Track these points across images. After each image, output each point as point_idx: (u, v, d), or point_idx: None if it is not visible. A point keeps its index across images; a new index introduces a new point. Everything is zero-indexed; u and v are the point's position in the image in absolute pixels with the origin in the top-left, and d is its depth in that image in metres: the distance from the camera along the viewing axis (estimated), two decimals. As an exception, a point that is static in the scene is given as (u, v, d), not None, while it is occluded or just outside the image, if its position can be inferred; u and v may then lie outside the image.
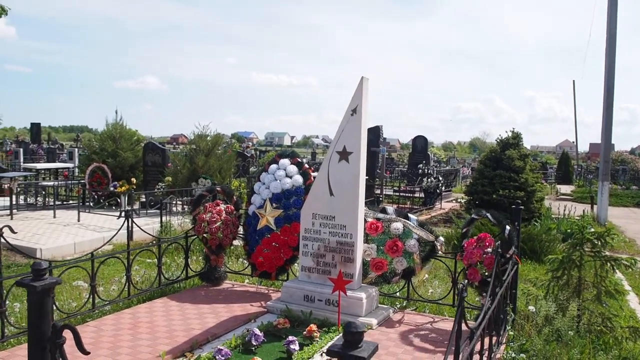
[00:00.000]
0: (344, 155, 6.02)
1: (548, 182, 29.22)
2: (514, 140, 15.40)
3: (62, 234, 11.11)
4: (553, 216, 14.73)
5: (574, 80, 47.41)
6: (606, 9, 17.21)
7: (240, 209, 7.32)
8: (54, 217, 13.15)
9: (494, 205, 14.32)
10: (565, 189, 27.90)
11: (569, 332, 5.79)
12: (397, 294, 6.77)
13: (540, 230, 11.51)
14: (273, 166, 7.06)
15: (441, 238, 6.28)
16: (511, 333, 5.77)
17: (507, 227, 5.70)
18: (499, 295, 4.74)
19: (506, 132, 15.28)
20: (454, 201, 20.67)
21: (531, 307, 6.16)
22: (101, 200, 14.69)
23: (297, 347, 5.08)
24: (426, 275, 7.15)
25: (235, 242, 7.91)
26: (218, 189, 7.47)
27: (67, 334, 2.40)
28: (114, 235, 6.75)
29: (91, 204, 14.94)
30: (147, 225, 11.74)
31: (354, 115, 5.98)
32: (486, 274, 5.71)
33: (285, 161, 7.02)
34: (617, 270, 10.38)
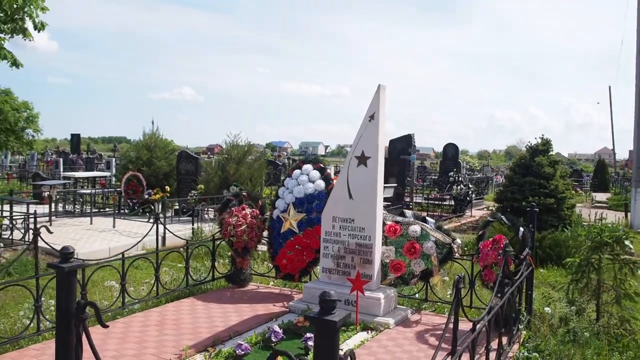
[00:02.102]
0: (363, 159, 6.23)
1: (583, 190, 28.81)
2: (544, 147, 15.29)
3: (98, 239, 11.54)
4: (584, 223, 14.60)
5: (610, 87, 46.73)
6: (636, 16, 17.07)
7: (266, 213, 7.58)
8: (91, 223, 13.64)
9: (523, 212, 14.25)
10: (601, 196, 27.43)
11: (585, 333, 5.85)
12: (416, 295, 6.91)
13: (567, 236, 11.47)
14: (296, 171, 7.31)
15: (458, 240, 6.42)
16: (526, 333, 5.86)
17: (521, 229, 5.81)
18: (508, 294, 4.86)
19: (535, 138, 15.20)
20: (485, 209, 20.59)
21: (547, 309, 6.23)
22: (135, 208, 15.15)
23: (314, 344, 5.28)
24: (445, 278, 7.26)
25: (261, 247, 8.17)
26: (244, 193, 7.75)
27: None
28: (144, 237, 7.08)
29: (126, 211, 15.42)
30: (180, 231, 12.08)
31: (372, 121, 6.19)
32: (501, 275, 5.81)
33: (308, 167, 7.26)
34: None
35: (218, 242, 7.71)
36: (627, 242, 6.69)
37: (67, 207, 15.95)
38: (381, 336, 5.69)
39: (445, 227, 15.34)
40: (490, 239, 6.15)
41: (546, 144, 15.36)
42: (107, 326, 2.50)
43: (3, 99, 24.52)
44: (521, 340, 5.72)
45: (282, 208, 7.24)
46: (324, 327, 1.95)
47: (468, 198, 18.14)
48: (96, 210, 15.81)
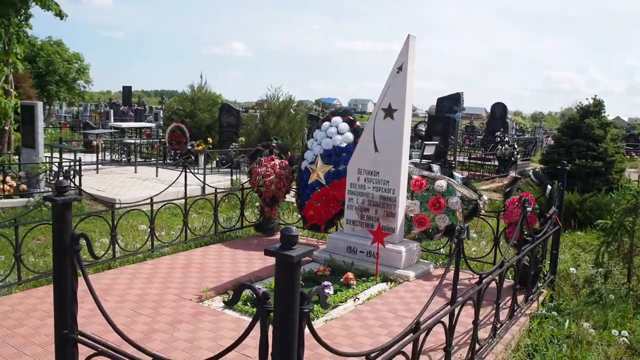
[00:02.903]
0: (389, 112, 6.15)
1: (638, 155, 27.75)
2: (595, 108, 14.74)
3: (141, 187, 11.87)
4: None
5: (677, 48, 44.14)
6: None
7: (295, 165, 7.62)
8: (135, 172, 14.04)
9: (569, 174, 13.90)
10: (657, 162, 26.38)
11: (610, 295, 5.73)
12: (441, 250, 6.89)
13: (610, 199, 11.13)
14: (326, 124, 7.29)
15: (485, 197, 6.32)
16: (548, 292, 5.78)
17: (549, 187, 5.67)
18: (527, 250, 4.79)
19: (587, 99, 14.63)
20: (531, 170, 20.13)
21: (572, 269, 6.11)
22: (177, 158, 15.47)
23: (331, 292, 5.37)
24: (473, 235, 7.20)
25: (290, 198, 8.25)
26: (274, 144, 7.80)
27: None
28: (171, 185, 7.26)
29: (169, 161, 15.76)
30: (219, 182, 12.37)
31: (400, 72, 6.08)
32: (525, 233, 5.72)
33: (337, 119, 7.22)
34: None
35: (248, 191, 7.82)
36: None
37: (113, 156, 16.41)
38: (399, 287, 5.72)
39: (486, 187, 15.15)
40: (517, 197, 6.03)
41: (598, 105, 14.78)
42: (98, 258, 2.59)
43: (55, 50, 25.10)
44: (542, 299, 5.65)
45: (311, 160, 7.26)
46: (282, 261, 1.97)
47: (513, 159, 17.72)
48: (141, 160, 16.23)
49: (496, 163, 18.10)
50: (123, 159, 16.18)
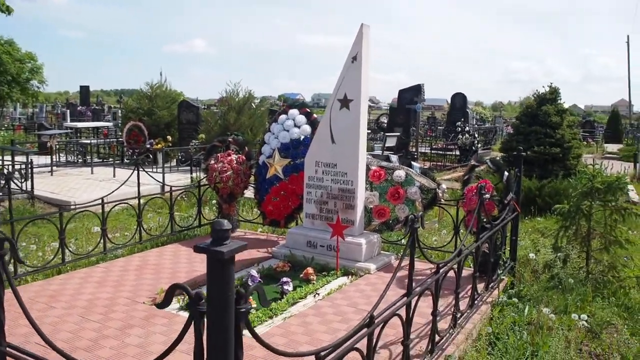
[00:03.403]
0: (345, 102, 6.04)
1: (595, 141, 28.34)
2: (551, 96, 14.88)
3: (97, 188, 11.52)
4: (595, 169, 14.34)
5: (628, 36, 45.38)
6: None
7: (252, 159, 7.46)
8: (92, 173, 13.66)
9: (528, 161, 14.07)
10: (613, 147, 26.96)
11: (570, 279, 5.74)
12: (402, 241, 6.82)
13: (567, 184, 11.27)
14: (282, 116, 7.15)
15: (443, 185, 6.28)
16: (508, 279, 5.76)
17: (506, 173, 5.65)
18: (485, 237, 4.75)
19: (543, 87, 14.80)
20: (488, 157, 20.33)
21: (532, 255, 6.11)
22: (136, 156, 15.13)
23: (290, 288, 5.24)
24: (436, 225, 7.16)
25: (250, 194, 8.09)
26: (230, 139, 7.62)
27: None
28: (123, 184, 7.02)
29: (127, 160, 15.39)
30: (179, 180, 12.11)
31: (355, 62, 5.97)
32: (485, 220, 5.69)
33: (294, 111, 7.08)
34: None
35: (205, 188, 7.63)
36: (629, 188, 6.51)
37: (69, 157, 15.95)
38: (360, 281, 5.63)
39: (448, 176, 15.21)
40: (476, 184, 5.99)
41: (554, 93, 14.94)
42: (23, 262, 2.41)
43: (5, 50, 24.28)
44: (503, 286, 5.63)
45: (268, 154, 7.12)
46: (213, 258, 1.84)
47: (474, 148, 17.86)
48: (99, 160, 15.82)
49: (458, 153, 18.22)
50: (79, 160, 15.73)
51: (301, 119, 6.97)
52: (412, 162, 6.47)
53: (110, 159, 15.94)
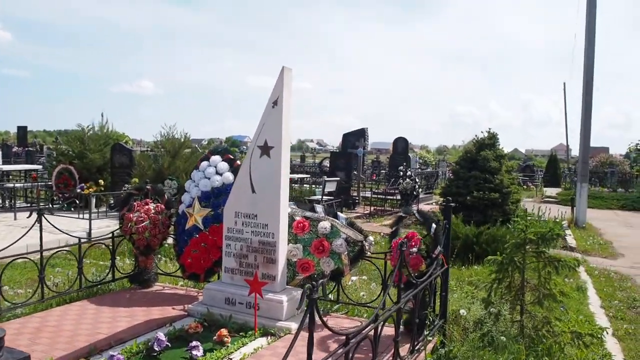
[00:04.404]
0: (266, 150, 5.69)
1: (534, 185, 28.93)
2: (490, 141, 15.03)
3: (18, 235, 10.74)
4: (529, 218, 14.38)
5: (564, 83, 47.23)
6: (585, 9, 16.99)
7: (172, 208, 6.99)
8: (15, 219, 12.88)
9: (468, 207, 14.04)
10: (552, 191, 27.57)
11: (501, 337, 5.44)
12: (330, 296, 6.43)
13: (505, 231, 11.17)
14: (204, 163, 6.73)
15: (370, 238, 5.95)
16: (438, 339, 5.43)
17: (433, 226, 5.38)
18: (409, 296, 4.42)
19: (482, 132, 14.92)
20: (434, 203, 20.31)
21: (462, 311, 5.81)
22: (60, 202, 14.43)
23: (200, 353, 4.76)
24: (352, 278, 6.81)
25: (172, 244, 7.59)
26: (148, 187, 7.15)
27: None
28: (24, 235, 6.42)
29: (52, 206, 14.63)
30: (108, 227, 11.44)
31: (275, 107, 5.66)
32: (413, 274, 5.37)
33: (216, 158, 6.69)
34: (582, 273, 10.06)
35: (120, 239, 7.09)
36: (566, 233, 6.34)
37: (-9, 202, 15.05)
38: (279, 342, 5.18)
39: (389, 222, 14.98)
40: (404, 236, 5.70)
41: (492, 138, 15.08)
42: None
43: None
44: (431, 347, 5.28)
45: (188, 202, 6.67)
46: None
47: (415, 193, 17.79)
48: (27, 205, 14.99)
49: (399, 197, 18.11)
50: (4, 205, 14.85)
51: (223, 165, 6.58)
52: (338, 213, 6.13)
53: (41, 204, 15.12)
